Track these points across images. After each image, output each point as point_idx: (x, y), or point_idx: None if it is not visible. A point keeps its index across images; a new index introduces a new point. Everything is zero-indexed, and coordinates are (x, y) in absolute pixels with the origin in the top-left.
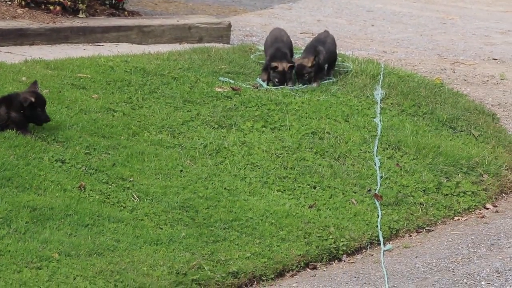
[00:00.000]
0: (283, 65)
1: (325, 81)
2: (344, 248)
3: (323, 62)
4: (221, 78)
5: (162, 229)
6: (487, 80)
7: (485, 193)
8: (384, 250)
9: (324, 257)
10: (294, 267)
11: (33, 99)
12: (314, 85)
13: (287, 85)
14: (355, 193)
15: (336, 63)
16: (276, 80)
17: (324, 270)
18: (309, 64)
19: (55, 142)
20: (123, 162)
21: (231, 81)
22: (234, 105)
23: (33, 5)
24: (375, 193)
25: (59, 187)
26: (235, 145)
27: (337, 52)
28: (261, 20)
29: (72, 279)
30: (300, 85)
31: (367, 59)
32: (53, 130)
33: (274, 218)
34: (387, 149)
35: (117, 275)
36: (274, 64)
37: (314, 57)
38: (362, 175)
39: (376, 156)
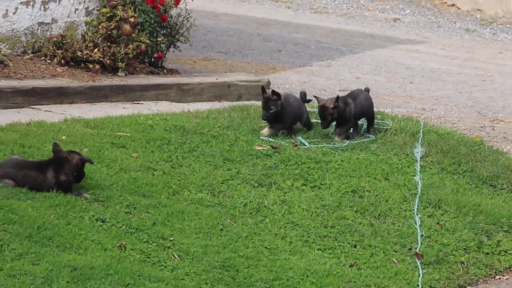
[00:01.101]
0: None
1: (365, 140)
2: None
3: (349, 115)
4: (261, 137)
5: None
6: None
7: None
8: None
9: None
10: None
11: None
12: (337, 138)
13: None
14: (395, 251)
15: (375, 121)
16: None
17: None
18: (332, 106)
19: (96, 201)
20: (163, 221)
21: (271, 139)
22: (274, 163)
23: (72, 63)
24: (416, 252)
25: (100, 247)
26: (275, 204)
27: (375, 109)
28: (300, 78)
29: None
30: (340, 143)
31: (407, 117)
32: (93, 189)
33: (314, 277)
34: (427, 207)
35: None
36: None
37: (337, 99)
38: (402, 234)
39: (417, 214)
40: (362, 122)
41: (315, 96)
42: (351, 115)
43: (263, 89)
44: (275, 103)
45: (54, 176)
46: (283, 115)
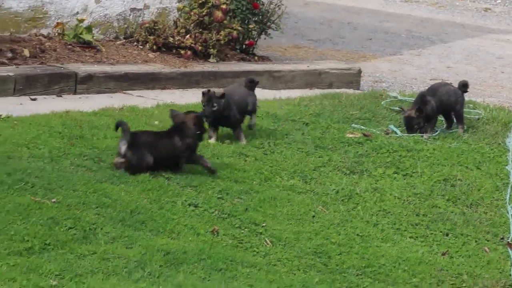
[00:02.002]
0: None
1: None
2: None
3: (431, 112)
4: (353, 125)
5: (295, 274)
6: None
7: None
8: None
9: None
10: None
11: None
12: (425, 136)
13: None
14: (487, 241)
15: (466, 109)
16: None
17: None
18: (416, 115)
19: (188, 186)
20: (255, 207)
21: (362, 127)
22: (366, 151)
23: (164, 49)
24: (508, 242)
25: (193, 231)
26: (367, 191)
27: (466, 99)
28: (390, 66)
29: None
30: (432, 132)
31: (498, 106)
32: (185, 174)
33: (406, 265)
34: None
35: None
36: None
37: (418, 108)
38: (494, 223)
39: (509, 204)
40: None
41: (400, 107)
42: (434, 112)
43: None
44: (218, 101)
45: (181, 140)
46: (229, 117)
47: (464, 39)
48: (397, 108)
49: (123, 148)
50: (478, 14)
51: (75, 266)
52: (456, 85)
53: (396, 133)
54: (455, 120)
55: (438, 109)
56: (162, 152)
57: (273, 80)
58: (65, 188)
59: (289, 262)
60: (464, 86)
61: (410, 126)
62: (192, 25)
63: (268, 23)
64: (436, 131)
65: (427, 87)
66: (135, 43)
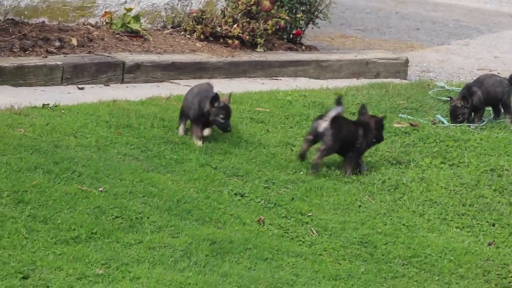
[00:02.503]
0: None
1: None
2: None
3: (478, 103)
4: (400, 115)
5: (340, 264)
6: None
7: None
8: None
9: None
10: None
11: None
12: (472, 126)
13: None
14: None
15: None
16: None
17: None
18: (461, 105)
19: (235, 176)
20: (301, 197)
21: (409, 117)
22: (412, 141)
23: (211, 39)
24: None
25: (239, 221)
26: (413, 181)
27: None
28: (438, 56)
29: None
30: (479, 123)
31: None
32: (232, 164)
33: (452, 255)
34: None
35: None
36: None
37: (463, 98)
38: None
39: None
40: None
41: (449, 97)
42: (481, 103)
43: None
44: None
45: (363, 135)
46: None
47: None
48: (444, 98)
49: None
50: None
51: (121, 255)
52: (504, 75)
53: (443, 123)
54: (502, 111)
55: (485, 100)
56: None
57: (320, 69)
58: (112, 177)
59: (334, 251)
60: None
61: (455, 116)
62: (239, 14)
63: (316, 13)
64: (483, 121)
65: (474, 78)
66: (182, 33)
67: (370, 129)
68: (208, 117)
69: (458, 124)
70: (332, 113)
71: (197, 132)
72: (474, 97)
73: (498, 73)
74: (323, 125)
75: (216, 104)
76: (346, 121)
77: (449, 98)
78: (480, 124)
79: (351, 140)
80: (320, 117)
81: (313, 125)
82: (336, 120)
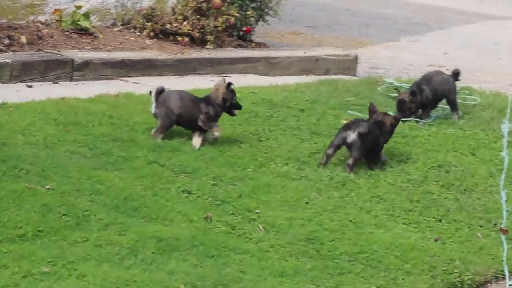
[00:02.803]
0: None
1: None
2: (469, 282)
3: (425, 100)
4: (349, 111)
5: (287, 261)
6: None
7: None
8: (509, 285)
9: None
10: None
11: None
12: (420, 123)
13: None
14: (480, 227)
15: (462, 96)
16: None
17: None
18: (408, 99)
19: (182, 173)
20: (249, 194)
21: (358, 114)
22: None
23: (161, 36)
24: (501, 227)
25: (186, 218)
26: (361, 178)
27: (464, 85)
28: (388, 53)
29: None
30: (427, 119)
31: (494, 92)
32: (180, 161)
33: (399, 251)
34: None
35: None
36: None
37: (412, 91)
38: (488, 209)
39: (503, 190)
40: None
41: (396, 89)
42: (429, 101)
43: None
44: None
45: (380, 134)
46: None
47: (461, 25)
48: (393, 95)
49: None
50: (476, 0)
51: (68, 253)
52: (451, 72)
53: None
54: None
55: (433, 98)
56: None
57: (270, 66)
58: (59, 175)
59: (281, 248)
60: (456, 75)
61: (402, 109)
62: (189, 11)
63: (266, 10)
64: (431, 117)
65: (422, 74)
66: (132, 30)
67: (385, 127)
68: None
69: (406, 119)
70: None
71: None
72: (423, 95)
73: (447, 69)
74: (352, 136)
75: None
76: (371, 126)
77: (396, 90)
78: (428, 121)
79: (374, 143)
80: (348, 127)
81: (341, 135)
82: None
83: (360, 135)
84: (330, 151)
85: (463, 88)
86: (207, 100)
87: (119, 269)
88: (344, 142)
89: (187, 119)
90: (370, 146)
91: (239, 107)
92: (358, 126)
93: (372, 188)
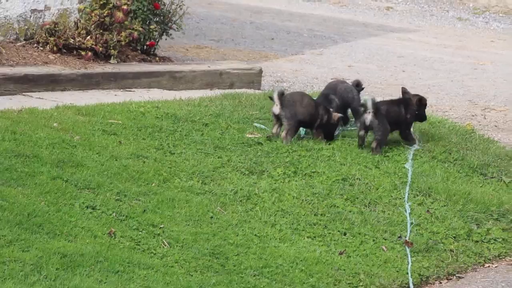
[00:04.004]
0: None
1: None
2: None
3: (336, 109)
4: (256, 124)
5: (192, 276)
6: None
7: None
8: None
9: None
10: None
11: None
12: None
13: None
14: (385, 239)
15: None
16: None
17: None
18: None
19: (86, 188)
20: (153, 209)
21: (262, 126)
22: (265, 151)
23: (65, 50)
24: (406, 240)
25: (90, 234)
26: (266, 192)
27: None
28: (292, 66)
29: None
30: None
31: None
32: (84, 176)
33: (304, 265)
34: (417, 195)
35: None
36: None
37: (325, 107)
38: (392, 222)
39: (407, 202)
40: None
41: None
42: (338, 110)
43: None
44: None
45: (404, 112)
46: None
47: (366, 38)
48: None
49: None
50: (380, 13)
51: None
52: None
53: (300, 133)
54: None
55: (340, 106)
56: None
57: (174, 80)
58: None
59: (186, 263)
60: (357, 85)
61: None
62: (93, 26)
63: (170, 24)
64: (339, 129)
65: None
66: (35, 45)
67: (411, 105)
68: None
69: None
70: (370, 103)
71: None
72: (333, 105)
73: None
74: (369, 118)
75: None
76: (389, 106)
77: None
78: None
79: (396, 119)
80: (364, 110)
81: (361, 119)
82: (378, 109)
83: (377, 116)
84: (361, 132)
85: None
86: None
87: (22, 285)
88: (365, 126)
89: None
90: (393, 122)
91: None
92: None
93: (276, 202)
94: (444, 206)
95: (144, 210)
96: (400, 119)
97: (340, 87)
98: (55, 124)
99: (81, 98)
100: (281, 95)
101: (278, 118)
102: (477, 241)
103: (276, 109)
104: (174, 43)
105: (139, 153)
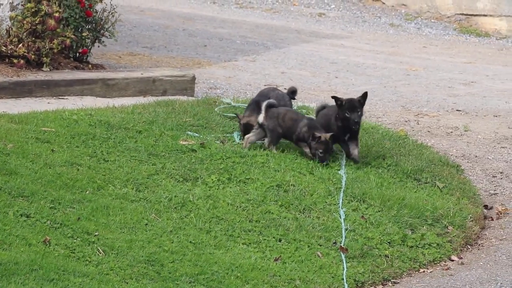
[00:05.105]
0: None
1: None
2: None
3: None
4: (188, 133)
5: (127, 283)
6: (451, 132)
7: (450, 245)
8: None
9: None
10: None
11: None
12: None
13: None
14: (320, 245)
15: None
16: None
17: None
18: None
19: (20, 196)
20: (88, 216)
21: (196, 134)
22: (199, 158)
23: None
24: (341, 246)
25: (24, 242)
26: (200, 199)
27: (301, 104)
28: (225, 73)
29: None
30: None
31: None
32: (17, 184)
33: (239, 271)
34: (352, 201)
35: None
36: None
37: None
38: (327, 228)
39: (341, 208)
40: None
41: (235, 113)
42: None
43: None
44: None
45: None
46: None
47: (298, 44)
48: (230, 114)
49: None
50: (313, 19)
51: None
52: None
53: (234, 140)
54: None
55: None
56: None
57: (107, 88)
58: None
59: (121, 271)
60: (292, 93)
61: (248, 132)
62: (25, 33)
63: (102, 31)
64: None
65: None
66: None
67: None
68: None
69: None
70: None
71: None
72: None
73: (285, 88)
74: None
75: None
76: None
77: (235, 115)
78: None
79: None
80: None
81: None
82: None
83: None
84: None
85: (300, 107)
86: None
87: None
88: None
89: None
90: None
91: None
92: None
93: (211, 209)
94: (379, 211)
95: (79, 218)
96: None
97: (272, 94)
98: None
99: (14, 106)
100: (268, 107)
101: (261, 127)
102: (411, 247)
103: (261, 118)
104: (107, 51)
105: (72, 160)
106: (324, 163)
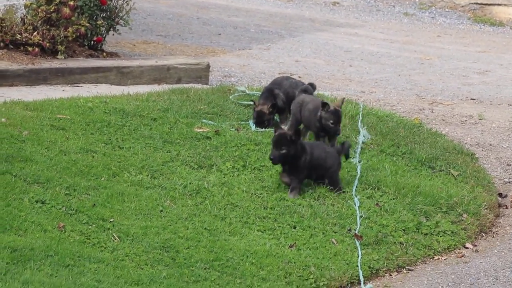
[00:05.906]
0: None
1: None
2: (325, 287)
3: (281, 105)
4: (203, 121)
5: (143, 269)
6: (466, 120)
7: (465, 233)
8: None
9: None
10: None
11: None
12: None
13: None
14: (335, 232)
15: None
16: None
17: None
18: (268, 111)
19: (35, 183)
20: (103, 203)
21: (210, 122)
22: (214, 145)
23: (11, 46)
24: (355, 233)
25: (40, 228)
26: (215, 186)
27: (315, 92)
28: (240, 61)
29: None
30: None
31: (346, 99)
32: (33, 171)
33: (254, 258)
34: (366, 189)
35: None
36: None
37: (271, 104)
38: (342, 215)
39: (356, 196)
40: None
41: (252, 100)
42: (284, 104)
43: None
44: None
45: None
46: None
47: (312, 33)
48: (245, 102)
49: None
50: (327, 8)
51: None
52: (304, 79)
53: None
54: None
55: (286, 100)
56: None
57: (122, 76)
58: None
59: (136, 257)
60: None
61: (261, 121)
62: (39, 22)
63: (116, 19)
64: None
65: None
66: None
67: None
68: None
69: (264, 129)
70: None
71: None
72: (278, 100)
73: (299, 77)
74: None
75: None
76: None
77: (252, 102)
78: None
79: None
80: None
81: None
82: None
83: None
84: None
85: (317, 95)
86: None
87: None
88: None
89: None
90: None
91: None
92: None
93: (226, 196)
94: (393, 199)
95: (94, 204)
96: None
97: (285, 82)
98: (3, 120)
99: (29, 93)
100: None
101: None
102: (426, 234)
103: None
104: (121, 39)
105: (88, 147)
106: (338, 135)
